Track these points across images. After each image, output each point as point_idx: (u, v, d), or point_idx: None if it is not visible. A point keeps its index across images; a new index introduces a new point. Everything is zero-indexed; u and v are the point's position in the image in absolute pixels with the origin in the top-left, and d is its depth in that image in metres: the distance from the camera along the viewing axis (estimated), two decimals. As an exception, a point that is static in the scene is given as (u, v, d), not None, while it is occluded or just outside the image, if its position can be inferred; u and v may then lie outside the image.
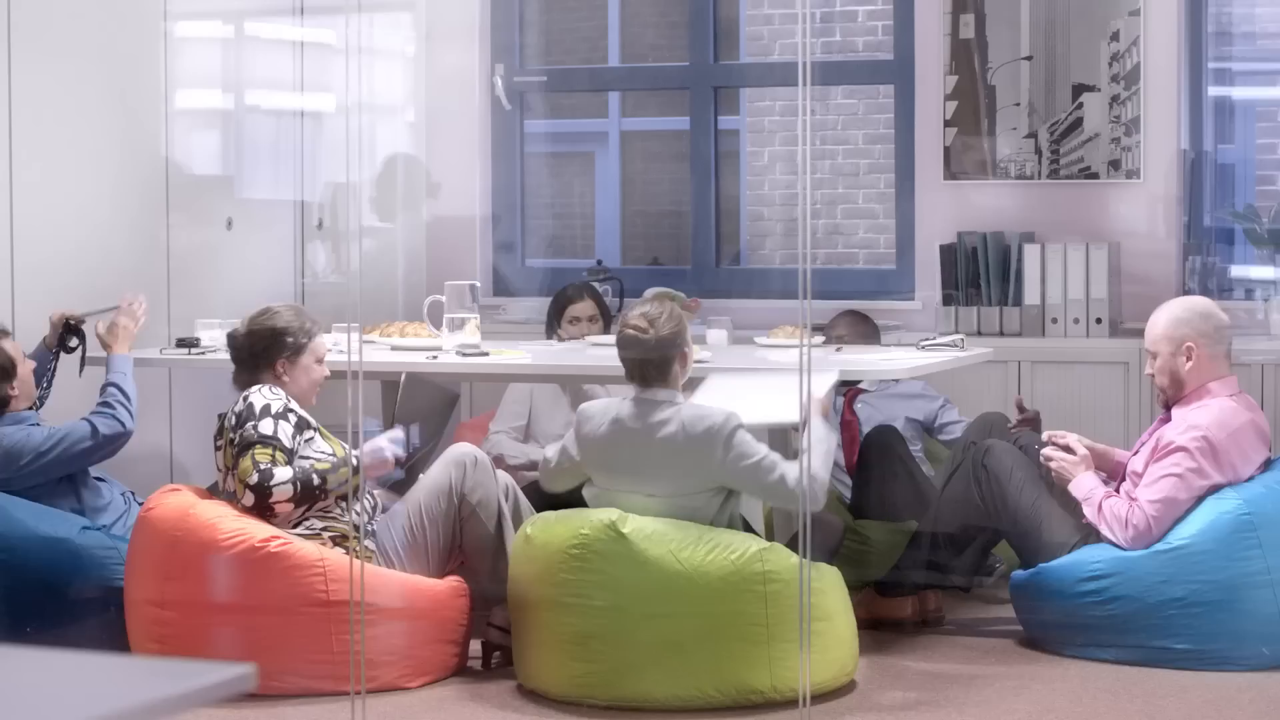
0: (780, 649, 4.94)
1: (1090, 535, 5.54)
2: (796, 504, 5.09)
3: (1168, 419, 5.57)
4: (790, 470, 5.05)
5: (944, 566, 5.87)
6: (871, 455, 6.24)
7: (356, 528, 5.21)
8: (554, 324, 6.84)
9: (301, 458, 5.26)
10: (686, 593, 4.94)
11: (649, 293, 7.32)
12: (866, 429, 6.47)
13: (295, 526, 5.21)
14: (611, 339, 6.46)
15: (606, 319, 6.88)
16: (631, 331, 5.20)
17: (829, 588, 5.12)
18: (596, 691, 5.02)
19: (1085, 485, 5.55)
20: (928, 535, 5.87)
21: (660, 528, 5.04)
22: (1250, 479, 5.49)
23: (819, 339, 6.11)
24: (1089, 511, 5.50)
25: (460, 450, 5.44)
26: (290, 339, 5.42)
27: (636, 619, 4.98)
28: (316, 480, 5.21)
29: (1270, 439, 5.63)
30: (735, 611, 4.95)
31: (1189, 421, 5.46)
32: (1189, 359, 5.52)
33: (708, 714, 4.96)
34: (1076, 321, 6.96)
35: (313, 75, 7.36)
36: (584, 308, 6.83)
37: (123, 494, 5.84)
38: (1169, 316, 5.61)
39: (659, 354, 5.18)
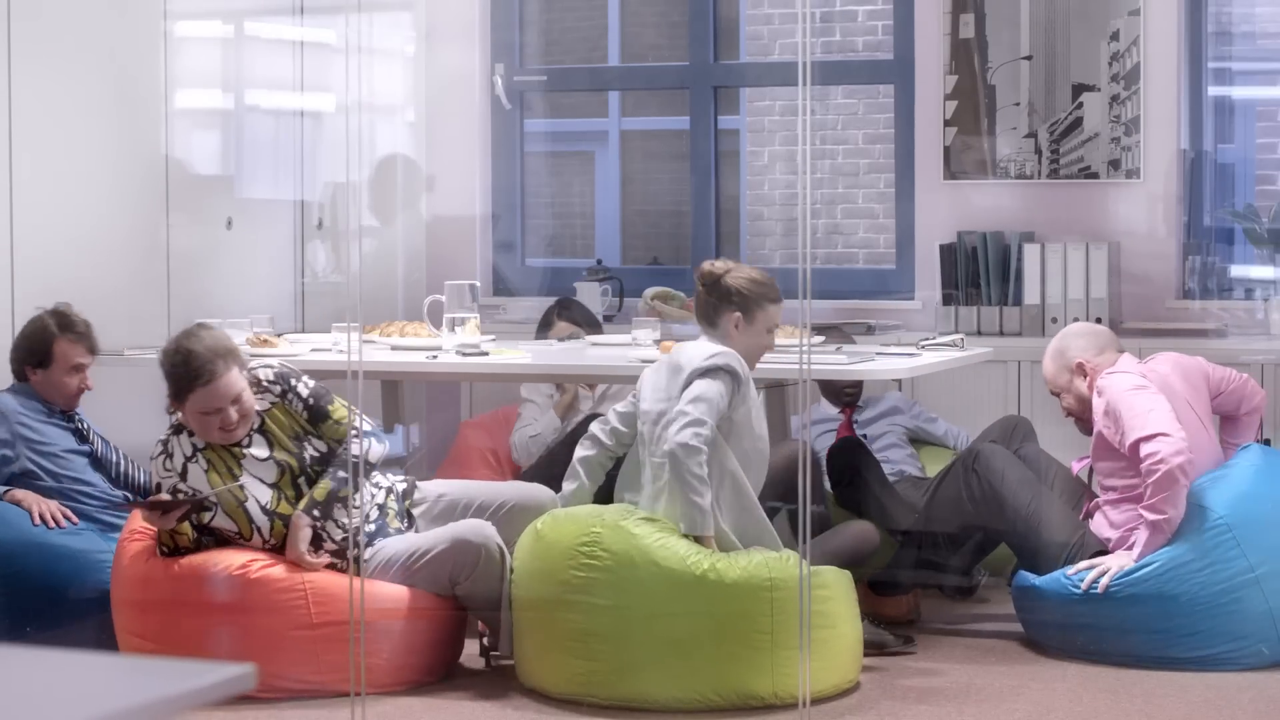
0: (783, 655, 4.93)
1: (1089, 535, 5.54)
2: (668, 464, 5.03)
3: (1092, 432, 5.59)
4: (682, 435, 4.97)
5: (937, 567, 5.87)
6: (836, 468, 6.19)
7: (357, 532, 5.20)
8: (543, 335, 6.80)
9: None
10: (691, 595, 4.94)
11: (648, 292, 7.33)
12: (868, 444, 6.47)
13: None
14: (609, 339, 6.47)
15: (595, 324, 6.86)
16: (706, 265, 5.30)
17: (838, 594, 5.11)
18: (596, 690, 5.01)
19: (1139, 547, 5.38)
20: (918, 536, 5.87)
21: (670, 528, 5.03)
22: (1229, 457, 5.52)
23: (819, 339, 6.10)
24: (1159, 530, 5.34)
25: (468, 540, 5.16)
26: (167, 380, 5.23)
27: (639, 619, 4.97)
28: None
29: (1194, 371, 5.62)
30: (740, 617, 4.94)
31: (1101, 384, 5.48)
32: (1085, 375, 5.57)
33: (707, 715, 4.95)
34: (1076, 321, 6.95)
35: (312, 75, 7.36)
36: (560, 330, 6.76)
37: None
38: (1052, 353, 5.70)
39: (711, 297, 5.23)
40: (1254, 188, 7.99)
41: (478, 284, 6.25)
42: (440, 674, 5.26)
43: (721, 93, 8.01)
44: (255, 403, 5.22)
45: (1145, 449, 5.30)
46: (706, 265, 5.30)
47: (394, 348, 6.04)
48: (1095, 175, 7.07)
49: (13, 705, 2.07)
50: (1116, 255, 7.01)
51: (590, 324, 6.84)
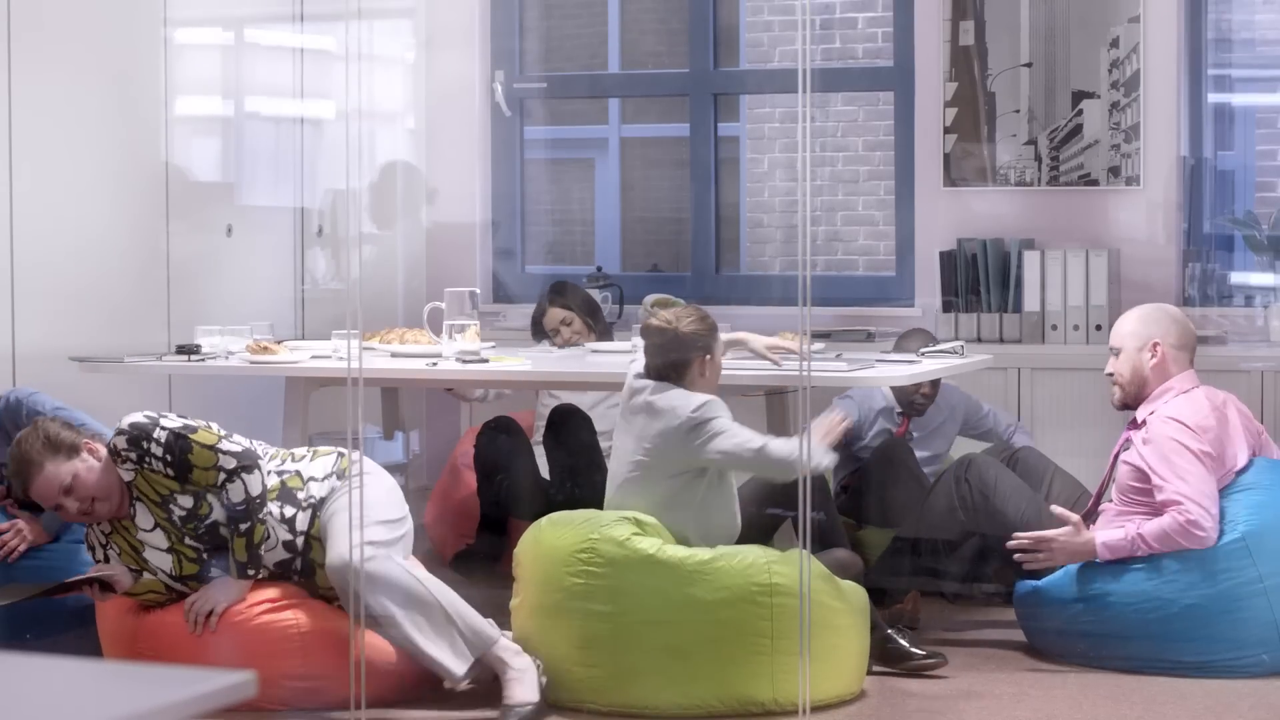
0: (784, 662, 4.92)
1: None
2: (781, 473, 5.05)
3: (1135, 426, 5.55)
4: (775, 443, 5.00)
5: (932, 573, 5.86)
6: (877, 465, 6.21)
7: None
8: (539, 336, 6.80)
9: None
10: (691, 601, 4.93)
11: (648, 299, 7.33)
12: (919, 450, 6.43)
13: None
14: (609, 345, 6.47)
15: (594, 314, 6.84)
16: (655, 323, 5.16)
17: (850, 608, 5.10)
18: (597, 697, 5.01)
19: (1111, 539, 5.39)
20: (911, 542, 5.86)
21: (666, 534, 5.03)
22: (1244, 470, 5.48)
23: (819, 344, 6.11)
24: (1138, 550, 5.33)
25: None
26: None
27: (639, 625, 4.97)
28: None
29: (1249, 425, 5.60)
30: (740, 623, 4.93)
31: (1168, 415, 5.43)
32: (1154, 355, 5.54)
33: (707, 721, 4.96)
34: (1076, 328, 6.95)
35: (313, 82, 7.36)
36: (553, 316, 6.76)
37: None
38: (1140, 314, 5.64)
39: (676, 353, 5.13)
40: (1254, 194, 7.99)
41: (478, 291, 6.25)
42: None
43: (721, 99, 8.01)
44: (122, 474, 4.99)
45: (1176, 502, 5.29)
46: (655, 322, 5.14)
47: (394, 355, 6.04)
48: (1095, 182, 7.07)
49: (12, 712, 2.07)
50: (1116, 262, 7.01)
51: (588, 310, 6.80)
